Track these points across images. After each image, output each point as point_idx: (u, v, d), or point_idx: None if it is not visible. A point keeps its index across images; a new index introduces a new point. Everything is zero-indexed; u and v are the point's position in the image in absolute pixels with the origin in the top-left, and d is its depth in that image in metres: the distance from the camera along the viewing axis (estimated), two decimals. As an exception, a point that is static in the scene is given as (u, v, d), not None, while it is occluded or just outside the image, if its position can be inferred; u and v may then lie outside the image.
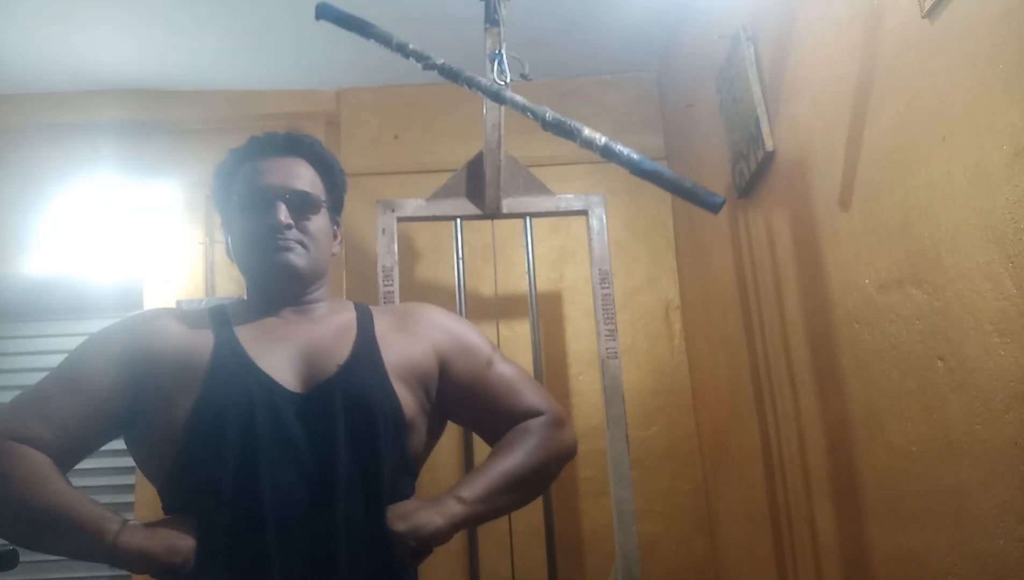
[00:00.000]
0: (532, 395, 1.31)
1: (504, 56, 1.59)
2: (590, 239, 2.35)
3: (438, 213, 2.37)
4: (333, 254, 1.36)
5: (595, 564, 2.59)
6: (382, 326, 1.28)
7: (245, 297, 1.35)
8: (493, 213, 2.36)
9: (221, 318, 1.26)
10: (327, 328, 1.26)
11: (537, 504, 2.29)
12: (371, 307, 1.35)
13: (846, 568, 1.63)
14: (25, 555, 1.57)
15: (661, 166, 1.30)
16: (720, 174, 2.30)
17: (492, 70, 1.59)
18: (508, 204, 2.36)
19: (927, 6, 1.23)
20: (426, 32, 1.92)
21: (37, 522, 1.07)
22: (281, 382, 1.16)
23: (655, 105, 3.02)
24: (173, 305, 2.84)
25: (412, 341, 1.28)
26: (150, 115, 2.97)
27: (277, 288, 1.28)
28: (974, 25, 1.14)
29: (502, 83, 1.57)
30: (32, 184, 2.88)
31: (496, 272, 2.58)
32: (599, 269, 2.31)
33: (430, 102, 2.94)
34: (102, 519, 1.06)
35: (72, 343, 1.24)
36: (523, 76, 1.58)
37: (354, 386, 1.17)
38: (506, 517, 2.38)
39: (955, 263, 1.20)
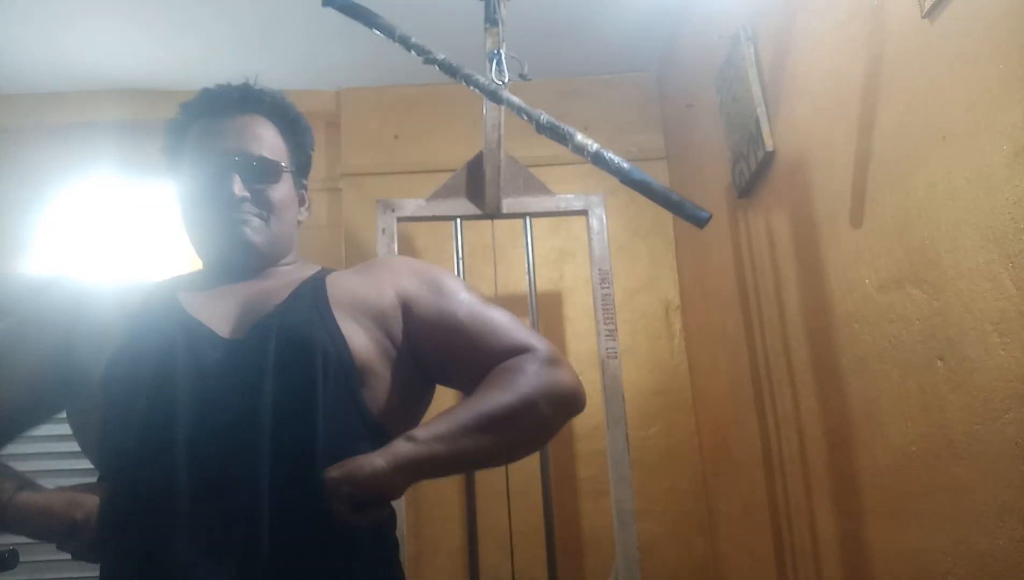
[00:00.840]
0: (519, 333, 1.10)
1: (503, 56, 1.59)
2: (590, 239, 2.35)
3: (438, 213, 2.37)
4: (299, 222, 1.24)
5: (595, 564, 2.59)
6: (338, 275, 1.16)
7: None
8: (493, 213, 2.36)
9: (167, 283, 1.17)
10: (277, 282, 1.14)
11: (537, 504, 2.29)
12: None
13: (846, 568, 1.63)
14: (25, 555, 1.57)
15: (649, 177, 1.30)
16: (720, 174, 2.30)
17: (491, 70, 1.59)
18: (508, 204, 2.36)
19: (927, 6, 1.23)
20: (426, 32, 1.91)
21: None
22: (211, 328, 1.04)
23: (655, 105, 3.02)
24: (173, 305, 2.84)
25: (367, 280, 1.13)
26: (150, 115, 2.95)
27: (234, 267, 1.16)
28: (974, 25, 1.14)
29: (500, 83, 1.57)
30: (32, 184, 2.88)
31: (496, 272, 2.58)
32: (599, 269, 2.31)
33: (430, 102, 2.94)
34: None
35: None
36: (522, 76, 1.58)
37: (288, 323, 1.02)
38: (506, 517, 2.40)
39: (955, 263, 1.20)
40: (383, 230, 2.32)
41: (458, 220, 2.39)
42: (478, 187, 2.33)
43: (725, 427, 2.43)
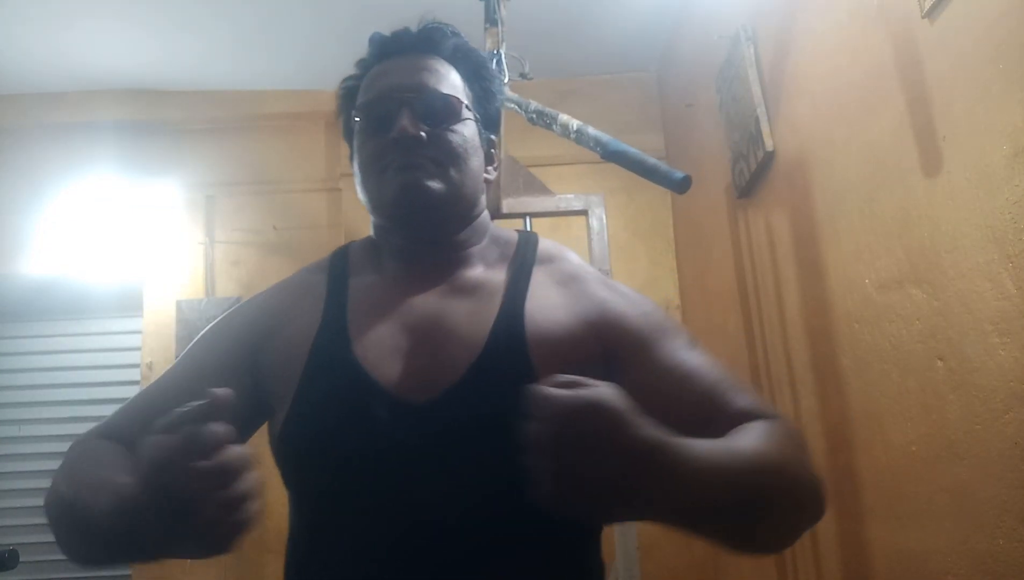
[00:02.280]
0: (750, 396, 0.88)
1: (503, 55, 1.59)
2: (590, 239, 2.35)
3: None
4: (487, 180, 1.01)
5: (595, 564, 2.58)
6: (538, 298, 0.92)
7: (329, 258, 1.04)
8: (493, 213, 2.34)
9: (339, 271, 0.98)
10: (466, 292, 0.93)
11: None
12: (539, 246, 1.00)
13: (846, 568, 1.63)
14: (25, 555, 1.57)
15: (625, 147, 1.29)
16: (720, 174, 2.29)
17: (492, 70, 1.59)
18: (508, 204, 2.36)
19: (927, 6, 1.23)
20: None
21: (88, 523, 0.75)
22: (386, 385, 0.84)
23: (655, 105, 3.02)
24: (173, 305, 2.84)
25: (570, 318, 0.90)
26: (150, 115, 2.97)
27: (406, 224, 0.95)
28: (974, 25, 1.14)
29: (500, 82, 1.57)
30: (32, 184, 2.88)
31: (496, 272, 2.58)
32: (599, 269, 2.30)
33: (430, 102, 2.94)
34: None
35: (72, 343, 1.20)
36: (523, 75, 1.58)
37: (486, 398, 0.82)
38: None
39: (955, 263, 1.20)
40: (383, 230, 2.32)
41: (458, 220, 2.38)
42: (478, 187, 2.33)
43: (725, 427, 2.43)
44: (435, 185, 0.91)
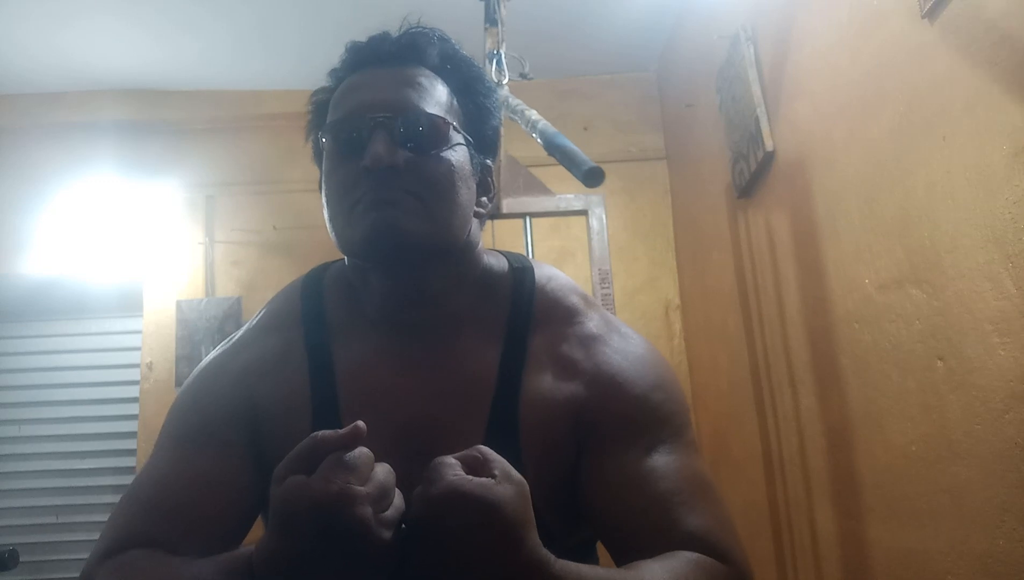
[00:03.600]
0: (707, 518, 0.75)
1: (503, 55, 1.59)
2: (590, 239, 2.35)
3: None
4: (479, 214, 0.86)
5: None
6: (534, 370, 0.82)
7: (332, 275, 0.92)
8: (493, 213, 2.35)
9: (316, 330, 0.86)
10: (458, 380, 0.82)
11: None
12: (537, 297, 0.87)
13: (846, 568, 1.63)
14: (25, 555, 1.57)
15: (565, 140, 1.28)
16: (720, 174, 2.30)
17: (491, 70, 1.59)
18: (508, 204, 2.36)
19: (927, 6, 1.23)
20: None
21: None
22: None
23: (655, 105, 3.02)
24: (173, 305, 2.84)
25: (560, 411, 0.81)
26: (150, 115, 2.97)
27: (380, 269, 0.82)
28: (974, 25, 1.14)
29: (500, 82, 1.57)
30: (32, 184, 2.88)
31: (496, 272, 2.58)
32: (599, 269, 2.31)
33: (430, 102, 2.94)
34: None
35: (72, 343, 1.18)
36: (523, 75, 1.58)
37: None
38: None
39: (955, 263, 1.20)
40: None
41: (458, 220, 2.38)
42: (478, 187, 2.33)
43: (725, 427, 2.43)
44: (413, 225, 0.77)
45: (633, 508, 0.75)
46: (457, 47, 0.88)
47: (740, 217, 2.17)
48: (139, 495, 0.78)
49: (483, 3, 1.64)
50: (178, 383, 2.79)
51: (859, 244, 1.50)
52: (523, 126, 1.33)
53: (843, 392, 1.59)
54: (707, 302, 2.56)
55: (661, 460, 0.77)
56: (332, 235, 0.83)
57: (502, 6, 1.63)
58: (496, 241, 2.60)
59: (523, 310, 0.86)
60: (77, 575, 0.75)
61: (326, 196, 0.83)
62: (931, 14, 1.23)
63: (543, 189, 2.40)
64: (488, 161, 0.89)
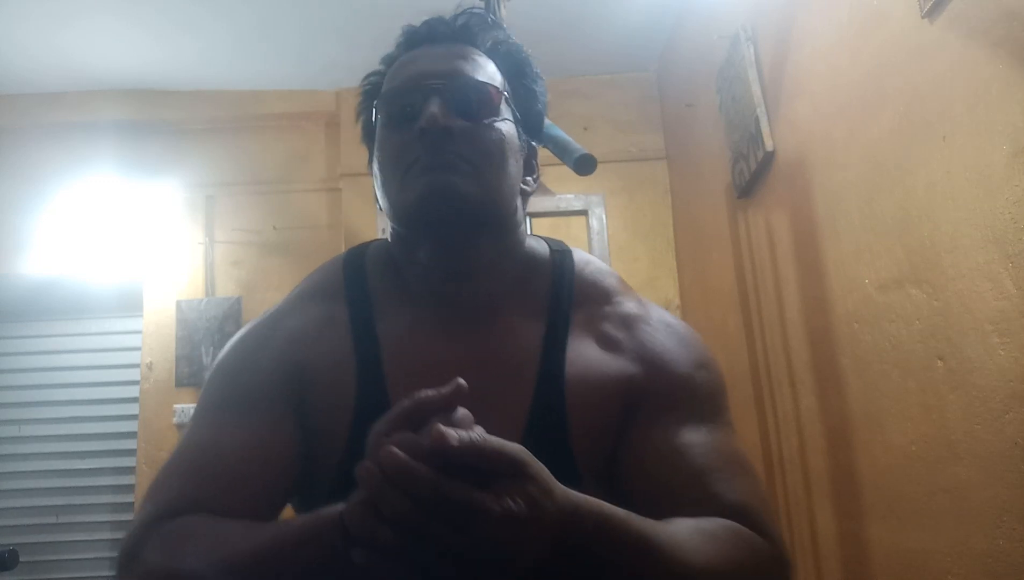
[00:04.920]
0: (744, 494, 0.75)
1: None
2: (590, 239, 2.35)
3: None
4: (526, 191, 0.87)
5: (595, 564, 2.59)
6: (578, 345, 0.83)
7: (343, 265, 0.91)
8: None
9: (361, 304, 0.85)
10: (503, 356, 0.82)
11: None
12: (576, 277, 0.88)
13: (846, 568, 1.63)
14: (25, 555, 1.57)
15: (557, 130, 1.27)
16: (720, 174, 2.30)
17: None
18: (508, 204, 2.36)
19: (927, 6, 1.23)
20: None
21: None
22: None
23: (655, 105, 3.02)
24: (173, 305, 2.84)
25: (606, 387, 0.81)
26: (150, 115, 2.97)
27: (432, 233, 0.81)
28: (974, 25, 1.14)
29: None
30: (32, 184, 2.89)
31: (496, 272, 2.58)
32: (599, 269, 2.31)
33: (430, 102, 2.94)
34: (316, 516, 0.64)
35: (72, 343, 1.15)
36: (523, 76, 1.58)
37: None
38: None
39: (955, 263, 1.20)
40: (383, 230, 2.32)
41: (458, 220, 2.39)
42: (478, 187, 2.33)
43: (725, 427, 2.43)
44: (468, 188, 0.77)
45: (672, 481, 0.75)
46: (509, 35, 0.90)
47: (740, 217, 2.17)
48: (185, 461, 0.76)
49: (483, 3, 1.64)
50: (178, 383, 2.79)
51: (859, 244, 1.50)
52: None
53: (843, 392, 1.59)
54: (707, 302, 2.56)
55: (702, 437, 0.78)
56: (383, 203, 0.83)
57: (502, 6, 1.63)
58: (496, 241, 2.60)
59: (565, 289, 0.86)
60: (77, 575, 0.74)
61: (379, 163, 0.83)
62: (931, 14, 1.23)
63: (543, 189, 2.40)
64: (534, 143, 0.90)
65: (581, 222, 2.52)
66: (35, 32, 2.55)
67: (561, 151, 1.19)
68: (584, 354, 0.82)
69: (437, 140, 0.77)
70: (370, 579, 0.58)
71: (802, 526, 1.85)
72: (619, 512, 0.64)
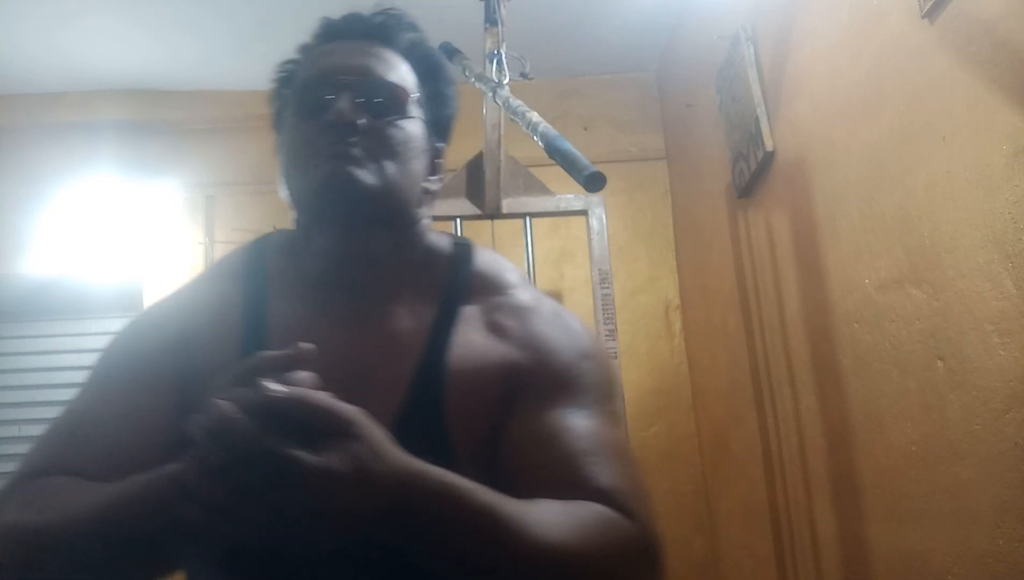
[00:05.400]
0: (626, 483, 0.76)
1: (503, 55, 1.59)
2: (590, 239, 2.35)
3: (438, 213, 2.36)
4: (427, 191, 0.90)
5: (595, 564, 2.59)
6: (466, 331, 0.84)
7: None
8: (493, 213, 2.36)
9: (256, 283, 0.87)
10: (390, 336, 0.83)
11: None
12: (474, 270, 0.90)
13: (846, 568, 1.63)
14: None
15: (566, 144, 1.28)
16: (720, 174, 2.30)
17: (491, 69, 1.59)
18: (508, 204, 2.36)
19: (927, 6, 1.23)
20: (426, 31, 1.91)
21: (97, 536, 0.66)
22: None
23: (655, 105, 3.02)
24: (173, 305, 2.84)
25: (489, 371, 0.81)
26: (150, 115, 2.97)
27: (331, 221, 0.84)
28: (974, 25, 1.14)
29: (499, 82, 1.57)
30: (32, 184, 2.88)
31: (496, 272, 2.58)
32: (599, 269, 2.31)
33: (430, 102, 2.94)
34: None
35: (72, 343, 1.17)
36: (523, 75, 1.58)
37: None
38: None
39: (955, 263, 1.20)
40: (383, 230, 2.32)
41: (458, 220, 2.38)
42: (478, 187, 2.33)
43: (725, 427, 2.43)
44: (367, 178, 0.80)
45: (546, 464, 0.76)
46: (424, 37, 0.93)
47: (740, 217, 2.17)
48: (60, 428, 0.79)
49: (483, 3, 1.64)
50: (178, 383, 2.79)
51: (859, 244, 1.50)
52: (523, 128, 1.33)
53: (843, 392, 1.59)
54: (707, 302, 2.56)
55: (579, 423, 0.78)
56: (285, 189, 0.87)
57: (502, 6, 1.63)
58: (496, 241, 2.59)
59: (460, 280, 0.88)
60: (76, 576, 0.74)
61: (286, 150, 0.87)
62: (931, 14, 1.23)
63: (543, 189, 2.40)
64: (440, 144, 0.93)
65: (581, 222, 2.51)
66: (35, 32, 2.55)
67: (569, 165, 1.19)
68: (470, 340, 0.83)
69: (343, 133, 0.80)
70: (204, 536, 0.59)
71: (802, 526, 1.85)
72: (466, 483, 0.63)
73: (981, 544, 1.16)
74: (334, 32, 0.90)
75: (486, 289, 0.88)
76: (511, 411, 0.80)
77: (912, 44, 1.29)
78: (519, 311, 0.87)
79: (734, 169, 2.13)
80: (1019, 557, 1.08)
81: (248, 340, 0.82)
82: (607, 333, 2.24)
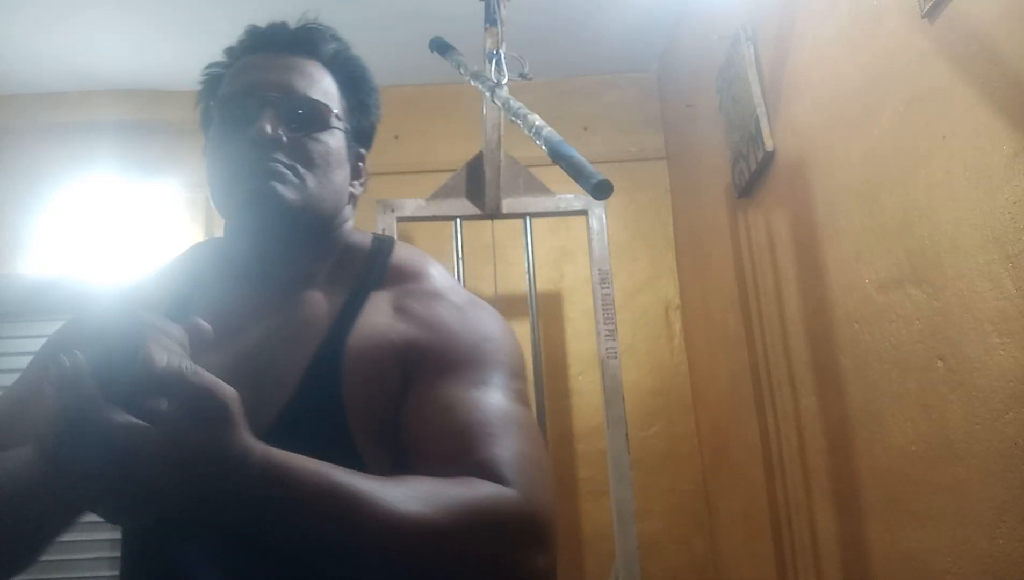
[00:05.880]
0: (514, 456, 0.73)
1: (503, 55, 1.59)
2: (590, 239, 2.35)
3: (438, 213, 2.37)
4: (353, 195, 0.96)
5: (595, 564, 2.59)
6: (373, 314, 0.86)
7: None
8: (493, 213, 2.36)
9: (187, 280, 0.95)
10: (299, 320, 0.86)
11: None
12: (392, 261, 0.93)
13: (846, 568, 1.63)
14: (25, 555, 1.56)
15: (570, 149, 1.28)
16: (720, 174, 2.30)
17: (491, 70, 1.59)
18: (508, 204, 2.36)
19: (927, 6, 1.23)
20: (426, 30, 1.92)
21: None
22: None
23: (655, 105, 3.02)
24: (173, 305, 2.84)
25: (385, 348, 0.83)
26: (150, 115, 2.97)
27: (254, 233, 0.90)
28: (974, 25, 1.14)
29: (499, 82, 1.57)
30: (32, 184, 2.88)
31: (496, 272, 2.58)
32: (599, 269, 2.31)
33: (430, 102, 2.94)
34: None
35: None
36: (523, 75, 1.58)
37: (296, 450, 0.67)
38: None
39: (955, 263, 1.20)
40: (383, 230, 2.32)
41: (458, 220, 2.39)
42: (478, 187, 2.33)
43: (725, 427, 2.43)
44: (289, 194, 0.85)
45: (434, 436, 0.76)
46: (348, 47, 0.97)
47: (740, 217, 2.17)
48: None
49: (483, 3, 1.64)
50: (178, 383, 2.79)
51: (859, 244, 1.50)
52: (525, 131, 1.32)
53: (843, 392, 1.59)
54: (707, 302, 2.56)
55: (477, 395, 0.78)
56: (212, 199, 0.92)
57: (502, 6, 1.63)
58: (496, 241, 2.60)
59: (376, 270, 0.92)
60: (77, 575, 0.77)
61: (211, 163, 0.90)
62: (931, 14, 1.23)
63: (543, 189, 2.40)
64: (363, 150, 0.99)
65: (581, 222, 2.52)
66: (35, 32, 2.55)
67: (576, 173, 1.19)
68: (373, 322, 0.85)
69: (266, 149, 0.85)
70: (64, 499, 0.61)
71: (802, 526, 1.85)
72: (314, 465, 0.61)
73: (981, 544, 1.16)
74: (260, 42, 0.94)
75: (401, 277, 0.91)
76: (409, 388, 0.81)
77: (912, 44, 1.29)
78: (427, 295, 0.89)
79: (734, 169, 2.13)
80: (1019, 557, 1.08)
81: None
82: (607, 333, 2.24)
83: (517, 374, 0.85)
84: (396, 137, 2.95)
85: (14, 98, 2.91)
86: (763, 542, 2.09)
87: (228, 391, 0.57)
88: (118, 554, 0.89)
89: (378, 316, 0.86)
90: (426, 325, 0.85)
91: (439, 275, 0.94)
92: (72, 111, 2.93)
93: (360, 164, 0.99)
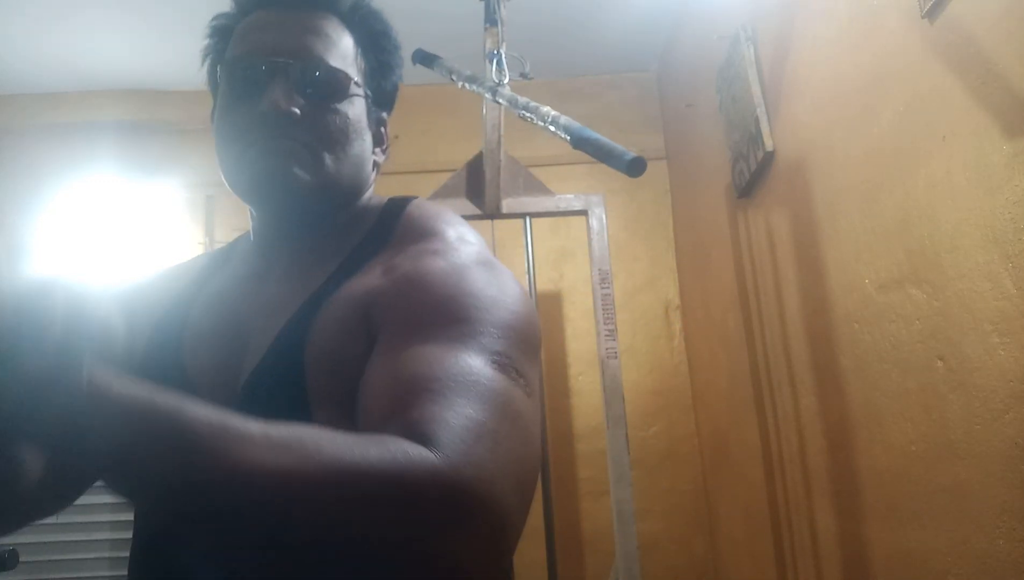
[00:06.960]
0: (453, 415, 0.59)
1: (503, 55, 1.59)
2: (590, 239, 2.35)
3: (438, 213, 2.37)
4: (376, 162, 0.89)
5: (595, 564, 2.59)
6: (364, 275, 0.78)
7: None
8: (493, 213, 2.36)
9: (218, 257, 0.94)
10: (288, 288, 0.81)
11: (537, 504, 2.29)
12: (404, 220, 0.85)
13: (846, 568, 1.63)
14: (25, 555, 1.57)
15: (591, 132, 1.26)
16: (720, 174, 2.30)
17: (491, 70, 1.59)
18: (508, 204, 2.36)
19: (927, 6, 1.23)
20: (425, 30, 1.92)
21: None
22: (196, 378, 0.77)
23: (655, 105, 3.02)
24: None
25: (352, 308, 0.74)
26: (150, 115, 2.97)
27: (265, 213, 0.84)
28: (974, 25, 1.14)
29: (500, 82, 1.57)
30: (32, 184, 2.88)
31: (496, 272, 2.58)
32: (599, 269, 2.31)
33: (430, 102, 2.94)
34: None
35: None
36: (523, 75, 1.58)
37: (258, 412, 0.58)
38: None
39: (955, 263, 1.20)
40: (383, 230, 2.32)
41: (458, 220, 2.38)
42: (478, 187, 2.33)
43: (725, 427, 2.43)
44: (303, 174, 0.77)
45: (378, 389, 0.65)
46: (369, 2, 0.88)
47: (740, 217, 2.17)
48: None
49: (483, 3, 1.64)
50: (178, 383, 2.79)
51: (859, 244, 1.50)
52: (539, 124, 1.31)
53: (843, 392, 1.59)
54: (707, 302, 2.56)
55: (437, 350, 0.65)
56: (221, 171, 0.84)
57: (502, 6, 1.63)
58: (496, 241, 2.60)
59: (380, 232, 0.84)
60: (77, 575, 0.76)
61: (219, 133, 0.82)
62: (931, 14, 1.23)
63: (543, 189, 2.40)
64: (384, 114, 0.91)
65: (581, 222, 2.52)
66: (35, 32, 2.55)
67: (605, 154, 1.15)
68: (364, 279, 0.76)
69: (276, 125, 0.76)
70: None
71: (802, 526, 1.85)
72: (186, 404, 0.51)
73: (981, 544, 1.16)
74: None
75: (408, 237, 0.81)
76: (375, 343, 0.71)
77: (912, 44, 1.29)
78: (425, 253, 0.77)
79: (734, 169, 2.13)
80: (1019, 557, 1.08)
81: (175, 306, 0.85)
82: (607, 333, 2.24)
83: (512, 342, 0.69)
84: (396, 137, 2.94)
85: (14, 98, 2.91)
86: (763, 542, 2.09)
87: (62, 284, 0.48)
88: (118, 554, 0.89)
89: (366, 278, 0.76)
90: (402, 278, 0.74)
91: (455, 236, 0.83)
92: (72, 111, 2.93)
93: (382, 129, 0.90)
